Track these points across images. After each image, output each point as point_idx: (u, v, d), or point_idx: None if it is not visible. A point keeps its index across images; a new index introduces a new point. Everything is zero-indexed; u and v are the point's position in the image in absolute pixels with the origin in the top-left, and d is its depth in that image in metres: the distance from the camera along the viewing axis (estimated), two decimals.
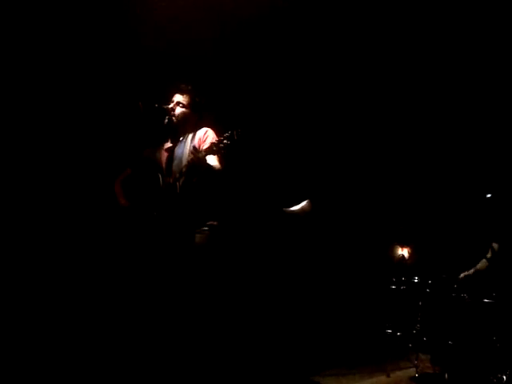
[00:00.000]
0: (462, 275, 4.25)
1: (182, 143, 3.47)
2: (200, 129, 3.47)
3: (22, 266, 3.91)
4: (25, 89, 4.02)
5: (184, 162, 3.34)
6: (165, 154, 3.51)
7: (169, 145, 3.53)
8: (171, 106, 3.44)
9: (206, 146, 3.27)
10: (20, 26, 3.95)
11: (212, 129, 3.46)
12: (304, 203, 4.15)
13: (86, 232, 4.10)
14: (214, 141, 3.12)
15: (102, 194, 3.73)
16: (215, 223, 3.35)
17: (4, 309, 3.74)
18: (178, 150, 3.46)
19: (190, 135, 3.47)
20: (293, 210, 4.17)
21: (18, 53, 3.98)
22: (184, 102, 3.47)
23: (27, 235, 3.97)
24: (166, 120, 3.43)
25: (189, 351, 3.20)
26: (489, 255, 4.23)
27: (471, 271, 4.26)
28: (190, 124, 3.51)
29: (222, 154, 3.13)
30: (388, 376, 4.17)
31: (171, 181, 3.29)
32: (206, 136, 3.42)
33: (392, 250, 4.87)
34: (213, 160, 3.26)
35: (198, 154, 3.11)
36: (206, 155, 3.14)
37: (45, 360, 3.59)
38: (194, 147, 3.19)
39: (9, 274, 3.84)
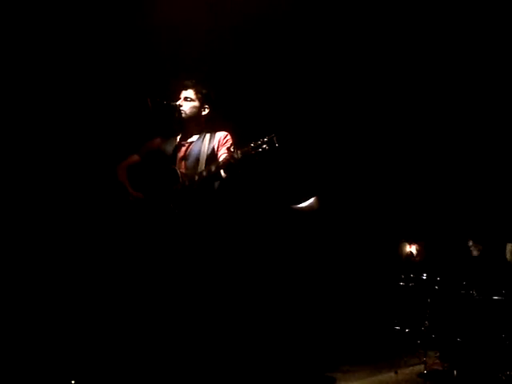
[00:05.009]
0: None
1: (199, 141, 3.45)
2: (219, 131, 3.47)
3: (24, 261, 3.91)
4: (37, 86, 4.06)
5: (202, 160, 3.33)
6: (179, 149, 3.49)
7: (180, 139, 3.54)
8: (179, 102, 3.46)
9: (223, 149, 3.29)
10: (30, 23, 3.99)
11: (228, 129, 3.46)
12: (312, 200, 4.15)
13: (95, 226, 4.10)
14: (252, 144, 2.99)
15: (108, 188, 3.70)
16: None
17: (4, 308, 3.75)
18: (194, 148, 3.44)
19: (208, 135, 3.46)
20: (301, 207, 4.18)
21: (29, 50, 4.02)
22: (191, 96, 3.48)
23: (29, 232, 3.96)
24: (177, 116, 3.44)
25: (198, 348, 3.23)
26: (508, 256, 4.21)
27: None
28: (201, 119, 3.51)
29: (260, 159, 3.00)
30: (396, 373, 4.17)
31: (196, 178, 3.23)
32: (225, 139, 3.41)
33: (400, 247, 4.86)
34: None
35: (234, 155, 3.02)
36: (243, 157, 3.00)
37: (45, 359, 3.62)
38: (228, 148, 3.15)
39: (9, 268, 3.85)
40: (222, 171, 3.18)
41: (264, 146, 2.96)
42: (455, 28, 4.84)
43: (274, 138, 2.96)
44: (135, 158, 3.61)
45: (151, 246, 3.29)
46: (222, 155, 3.31)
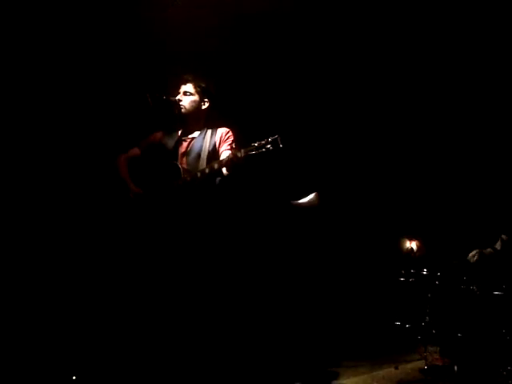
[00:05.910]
0: (470, 254, 4.22)
1: (201, 137, 3.45)
2: (221, 127, 3.48)
3: (23, 256, 3.90)
4: (36, 83, 4.05)
5: (203, 156, 3.34)
6: (180, 144, 3.48)
7: (181, 134, 3.52)
8: (178, 97, 3.45)
9: (225, 145, 3.31)
10: (29, 17, 3.98)
11: (230, 126, 3.46)
12: (312, 196, 4.14)
13: (95, 222, 4.08)
14: (256, 143, 2.99)
15: (109, 184, 3.69)
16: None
17: (4, 306, 3.75)
18: (195, 144, 3.45)
19: (210, 131, 3.46)
20: (300, 203, 4.16)
21: (29, 45, 4.01)
22: (190, 91, 3.48)
23: (27, 227, 3.96)
24: (177, 111, 3.43)
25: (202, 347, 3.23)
26: (497, 246, 4.21)
27: (475, 252, 4.23)
28: (201, 113, 3.50)
29: (262, 159, 3.00)
30: (396, 368, 4.17)
31: (199, 175, 3.22)
32: (227, 136, 3.42)
33: (401, 243, 4.85)
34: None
35: (238, 154, 3.02)
36: (246, 156, 3.00)
37: (46, 355, 3.62)
38: (231, 145, 3.14)
39: (7, 264, 3.84)
40: (223, 169, 3.18)
41: (268, 146, 2.95)
42: (455, 28, 4.84)
43: (279, 139, 2.94)
44: (135, 151, 3.60)
45: (151, 242, 3.28)
46: (224, 152, 3.31)
